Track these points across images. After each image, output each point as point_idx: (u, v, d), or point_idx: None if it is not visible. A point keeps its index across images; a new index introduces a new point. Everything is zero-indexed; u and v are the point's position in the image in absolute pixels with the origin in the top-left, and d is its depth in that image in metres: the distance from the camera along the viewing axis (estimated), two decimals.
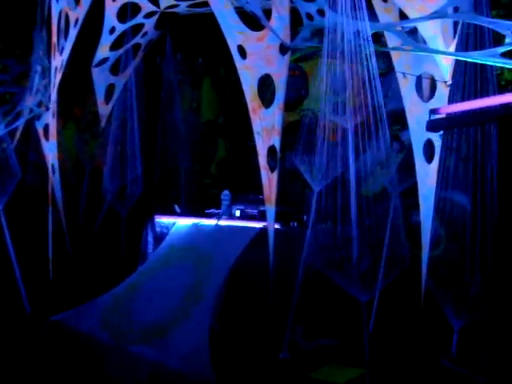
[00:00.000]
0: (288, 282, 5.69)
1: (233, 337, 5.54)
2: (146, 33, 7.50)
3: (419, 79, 4.75)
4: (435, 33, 4.20)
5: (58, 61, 6.43)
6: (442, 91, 4.68)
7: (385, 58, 5.94)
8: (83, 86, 8.12)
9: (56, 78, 6.51)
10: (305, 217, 6.08)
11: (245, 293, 5.82)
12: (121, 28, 7.13)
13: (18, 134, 7.04)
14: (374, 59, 3.95)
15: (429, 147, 4.82)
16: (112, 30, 7.09)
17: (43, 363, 5.88)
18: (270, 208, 4.81)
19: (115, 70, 7.57)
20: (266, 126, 4.70)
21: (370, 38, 4.00)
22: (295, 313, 5.69)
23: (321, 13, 4.77)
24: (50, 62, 6.63)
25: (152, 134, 8.10)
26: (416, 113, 4.79)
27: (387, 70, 6.00)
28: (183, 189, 8.42)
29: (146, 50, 7.87)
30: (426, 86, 4.86)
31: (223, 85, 9.17)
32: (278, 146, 4.76)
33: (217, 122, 9.22)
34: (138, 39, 7.52)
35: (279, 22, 4.64)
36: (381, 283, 4.86)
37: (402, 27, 4.13)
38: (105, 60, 7.37)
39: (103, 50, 7.23)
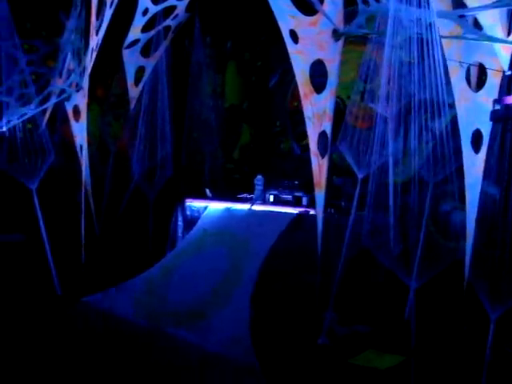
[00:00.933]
0: (326, 269, 5.70)
1: (270, 322, 5.53)
2: (176, 15, 7.43)
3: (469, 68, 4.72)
4: (494, 21, 4.17)
5: (94, 41, 6.37)
6: (493, 81, 4.65)
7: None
8: (106, 67, 8.05)
9: (91, 59, 6.47)
10: (342, 203, 6.08)
11: (282, 278, 5.82)
12: (153, 10, 7.06)
13: (47, 115, 6.97)
14: (438, 47, 3.92)
15: (477, 137, 4.80)
16: (145, 12, 7.01)
17: (74, 344, 5.89)
18: (320, 193, 4.81)
19: (145, 52, 7.49)
20: (318, 111, 4.67)
21: (432, 26, 3.97)
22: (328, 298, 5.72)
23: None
24: (82, 43, 6.56)
25: (180, 117, 8.04)
26: (465, 102, 4.76)
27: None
28: (207, 173, 8.39)
29: (175, 33, 7.81)
30: (474, 76, 4.83)
31: (248, 70, 9.11)
32: (329, 131, 4.74)
33: (241, 107, 9.17)
34: (168, 21, 7.44)
35: (332, 7, 4.59)
36: (432, 272, 4.87)
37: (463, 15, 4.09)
38: (136, 42, 7.31)
39: (135, 32, 7.16)
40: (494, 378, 4.55)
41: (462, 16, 4.05)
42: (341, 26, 4.58)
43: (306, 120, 4.74)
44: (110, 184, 7.80)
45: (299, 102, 8.57)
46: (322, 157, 4.75)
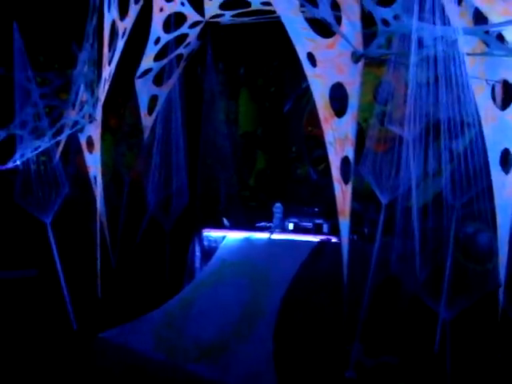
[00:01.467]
0: (351, 298, 5.49)
1: (294, 355, 5.32)
2: (188, 43, 7.38)
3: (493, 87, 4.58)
4: None
5: (107, 71, 6.32)
6: None
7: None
8: (119, 97, 8.02)
9: (104, 89, 6.42)
10: (365, 230, 5.90)
11: (305, 309, 5.61)
12: (166, 38, 7.03)
13: (60, 147, 6.90)
14: (464, 65, 3.79)
15: (505, 157, 4.64)
16: (157, 41, 6.98)
17: (92, 381, 5.72)
18: (344, 221, 4.64)
19: (158, 81, 7.43)
20: (339, 136, 4.52)
21: (455, 43, 3.85)
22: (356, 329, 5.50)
23: (397, 18, 4.61)
24: (95, 74, 6.52)
25: (194, 145, 7.94)
26: (492, 121, 4.61)
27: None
28: (223, 201, 8.24)
29: (188, 61, 7.76)
30: (499, 94, 4.69)
31: (262, 95, 9.02)
32: (351, 156, 4.59)
33: (255, 133, 9.05)
34: (181, 49, 7.39)
35: (350, 28, 4.48)
36: (466, 302, 4.65)
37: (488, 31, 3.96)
38: (148, 71, 7.26)
39: (148, 61, 7.12)
40: None
41: (487, 32, 3.92)
42: (360, 48, 4.45)
43: (328, 145, 4.59)
44: (125, 214, 7.69)
45: (314, 126, 8.63)
46: (346, 183, 4.57)
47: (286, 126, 8.91)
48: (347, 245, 4.68)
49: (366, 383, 5.10)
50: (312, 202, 7.62)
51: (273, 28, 8.06)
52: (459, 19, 4.36)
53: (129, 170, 8.24)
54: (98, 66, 6.30)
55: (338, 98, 6.39)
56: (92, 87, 6.61)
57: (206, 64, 7.99)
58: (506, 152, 4.63)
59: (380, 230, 5.15)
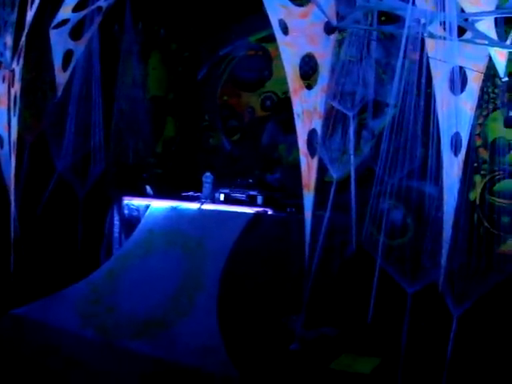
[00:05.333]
0: (292, 270, 5.52)
1: (238, 328, 5.24)
2: None
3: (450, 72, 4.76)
4: (489, 27, 4.24)
5: (29, 17, 5.64)
6: (473, 85, 4.75)
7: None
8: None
9: (22, 37, 5.73)
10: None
11: (246, 282, 5.53)
12: None
13: None
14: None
15: (456, 140, 4.88)
16: None
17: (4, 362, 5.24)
18: (309, 195, 4.59)
19: (75, 34, 6.77)
20: (308, 108, 4.44)
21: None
22: (292, 301, 5.55)
23: None
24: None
25: (108, 107, 7.38)
26: (446, 106, 4.80)
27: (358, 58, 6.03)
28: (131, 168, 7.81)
29: (104, 16, 7.15)
30: (457, 80, 4.89)
31: (174, 60, 8.64)
32: (319, 129, 4.54)
33: (165, 98, 8.67)
34: (101, 2, 6.78)
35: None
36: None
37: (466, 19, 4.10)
38: (65, 21, 6.56)
39: (66, 10, 6.42)
40: None
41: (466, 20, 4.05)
42: (334, 20, 4.39)
43: (295, 117, 4.49)
44: (28, 179, 6.97)
45: (230, 96, 8.48)
46: (312, 156, 4.53)
47: (199, 94, 8.65)
48: (310, 219, 4.65)
49: (308, 355, 5.16)
50: (225, 173, 7.52)
51: None
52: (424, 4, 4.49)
53: (29, 130, 7.47)
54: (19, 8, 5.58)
55: None
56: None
57: (125, 22, 7.44)
58: (456, 135, 4.86)
59: (330, 203, 5.21)
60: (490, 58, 4.72)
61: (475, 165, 6.15)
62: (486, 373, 4.93)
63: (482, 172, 6.43)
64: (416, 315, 5.09)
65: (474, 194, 6.41)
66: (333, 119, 5.31)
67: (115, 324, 5.31)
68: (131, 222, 6.52)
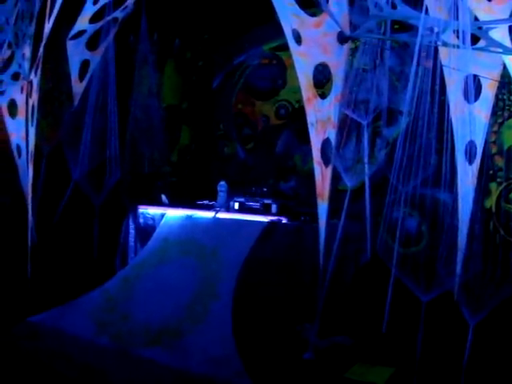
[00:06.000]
0: (306, 279, 5.53)
1: (253, 338, 5.25)
2: (126, 6, 6.88)
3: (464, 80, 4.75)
4: (503, 36, 4.23)
5: (47, 29, 5.73)
6: (487, 93, 4.74)
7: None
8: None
9: (40, 48, 5.81)
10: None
11: (261, 291, 5.54)
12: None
13: None
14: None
15: (470, 148, 4.85)
16: (96, 1, 6.43)
17: (18, 369, 5.26)
18: (323, 204, 4.60)
19: (91, 45, 6.87)
20: (321, 117, 4.46)
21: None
22: (306, 310, 5.54)
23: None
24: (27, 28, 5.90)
25: (124, 116, 7.46)
26: (460, 114, 4.79)
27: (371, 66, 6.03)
28: (147, 177, 7.87)
29: (120, 27, 7.25)
30: (471, 88, 4.87)
31: (188, 69, 8.70)
32: (333, 138, 4.55)
33: (180, 107, 8.73)
34: (117, 13, 6.87)
35: (337, 8, 4.41)
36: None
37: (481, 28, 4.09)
38: (82, 32, 6.66)
39: (83, 22, 6.52)
40: None
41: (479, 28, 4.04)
42: (347, 29, 4.40)
43: (309, 126, 4.51)
44: (45, 187, 7.06)
45: (244, 104, 8.52)
46: (326, 166, 4.54)
47: (214, 102, 8.71)
48: (324, 228, 4.65)
49: (322, 364, 5.15)
50: (239, 181, 7.55)
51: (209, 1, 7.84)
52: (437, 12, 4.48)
53: (47, 140, 7.57)
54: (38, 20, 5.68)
55: None
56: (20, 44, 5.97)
57: (140, 32, 7.52)
58: (471, 144, 4.84)
59: (344, 212, 5.20)
60: (505, 66, 4.74)
61: (491, 172, 6.16)
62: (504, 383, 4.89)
63: (498, 179, 6.38)
64: (431, 324, 5.07)
65: (490, 202, 6.39)
66: (347, 128, 5.31)
67: (130, 332, 5.35)
68: (146, 230, 6.57)
